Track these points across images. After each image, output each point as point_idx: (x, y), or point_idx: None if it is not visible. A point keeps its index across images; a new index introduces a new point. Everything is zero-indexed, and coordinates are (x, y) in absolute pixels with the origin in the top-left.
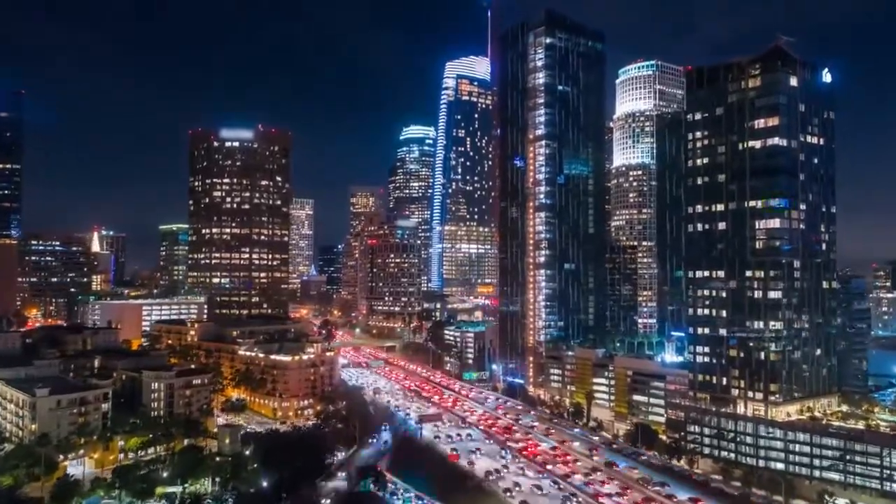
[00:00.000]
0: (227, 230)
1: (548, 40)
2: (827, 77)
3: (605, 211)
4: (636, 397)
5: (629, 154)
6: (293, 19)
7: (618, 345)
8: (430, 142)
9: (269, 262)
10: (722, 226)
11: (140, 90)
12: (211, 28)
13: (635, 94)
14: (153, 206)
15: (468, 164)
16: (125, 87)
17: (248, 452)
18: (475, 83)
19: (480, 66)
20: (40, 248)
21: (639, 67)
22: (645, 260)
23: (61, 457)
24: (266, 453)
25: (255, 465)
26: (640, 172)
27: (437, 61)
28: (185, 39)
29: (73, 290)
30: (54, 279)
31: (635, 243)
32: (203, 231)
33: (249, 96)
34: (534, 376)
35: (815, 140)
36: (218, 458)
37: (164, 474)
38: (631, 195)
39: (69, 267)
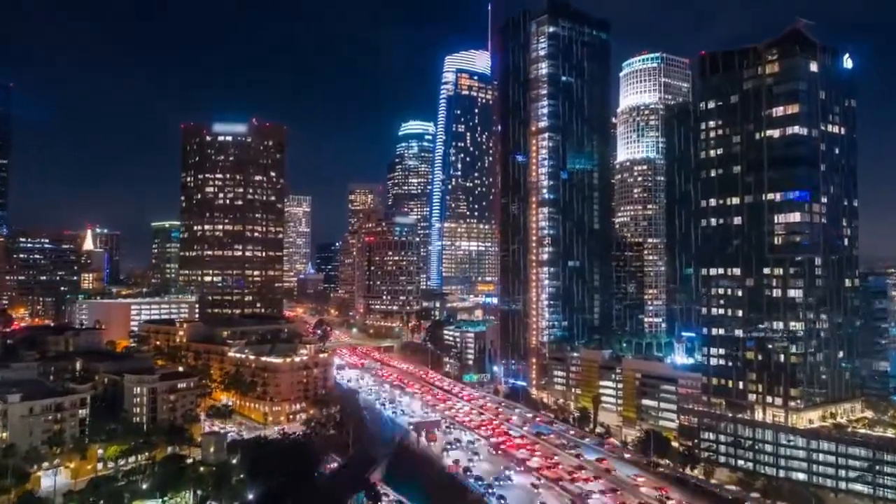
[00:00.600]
0: (220, 226)
1: (551, 29)
2: (848, 63)
3: (611, 206)
4: (645, 401)
5: (633, 148)
6: (292, 16)
7: (624, 345)
8: (430, 137)
9: (263, 260)
10: (737, 220)
11: (138, 88)
12: (209, 26)
13: (639, 88)
14: (151, 205)
15: (468, 159)
16: (125, 87)
17: (234, 461)
18: (475, 77)
19: (480, 60)
20: (28, 245)
21: (643, 60)
22: (651, 257)
23: (34, 467)
24: (253, 462)
25: (241, 476)
26: (644, 167)
27: (437, 56)
28: (184, 37)
29: (62, 288)
30: (43, 277)
31: (640, 240)
32: (195, 228)
33: (247, 94)
34: (537, 378)
35: (835, 129)
36: (201, 469)
37: (144, 486)
38: (635, 191)
39: (59, 265)
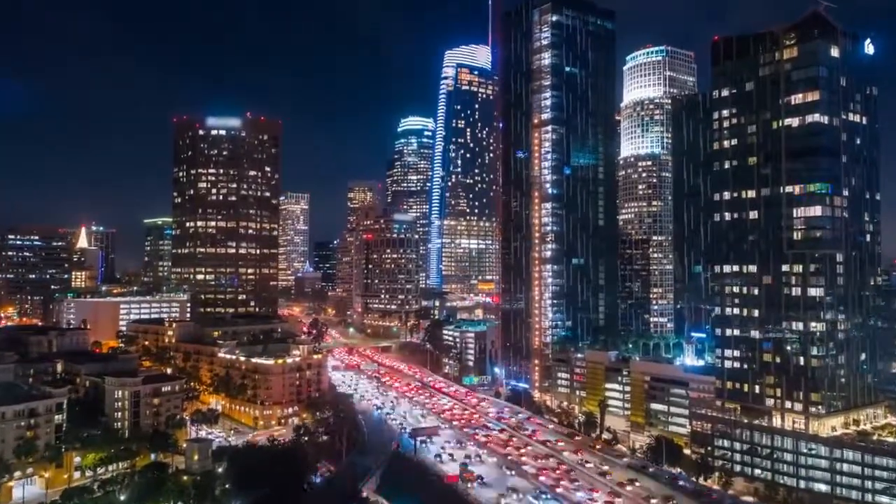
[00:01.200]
0: (213, 223)
1: (554, 18)
2: (869, 48)
3: (616, 201)
4: (655, 406)
5: (638, 144)
6: (291, 13)
7: (631, 346)
8: (429, 133)
9: (258, 257)
10: (753, 215)
11: (137, 84)
12: (207, 22)
13: (644, 81)
14: (148, 202)
15: (468, 156)
16: (123, 85)
17: (219, 470)
18: (475, 72)
19: (481, 55)
20: (18, 242)
21: (647, 53)
22: (656, 255)
23: (5, 477)
24: (240, 471)
25: (227, 486)
26: (649, 163)
27: (437, 51)
28: (182, 34)
29: (53, 286)
30: (32, 276)
31: (645, 238)
32: (187, 224)
33: (245, 91)
34: (539, 381)
35: (857, 118)
36: (184, 478)
37: (121, 497)
38: (640, 187)
39: (49, 263)
